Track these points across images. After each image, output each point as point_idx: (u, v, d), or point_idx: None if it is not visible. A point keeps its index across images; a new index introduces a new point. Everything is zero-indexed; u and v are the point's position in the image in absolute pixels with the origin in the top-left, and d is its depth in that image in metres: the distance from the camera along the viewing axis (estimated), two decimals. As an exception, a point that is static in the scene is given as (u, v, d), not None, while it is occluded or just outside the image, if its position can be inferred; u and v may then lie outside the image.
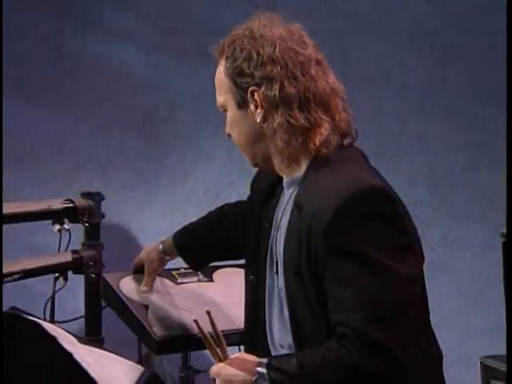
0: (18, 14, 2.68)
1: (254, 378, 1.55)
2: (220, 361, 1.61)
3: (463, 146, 2.76)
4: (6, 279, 1.98)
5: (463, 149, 2.76)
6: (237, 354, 1.63)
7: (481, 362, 2.14)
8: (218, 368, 1.60)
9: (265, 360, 1.57)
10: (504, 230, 2.14)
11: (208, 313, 1.62)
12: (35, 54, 2.71)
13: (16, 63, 2.69)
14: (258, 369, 1.55)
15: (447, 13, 2.75)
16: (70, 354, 1.36)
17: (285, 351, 1.65)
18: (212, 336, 1.62)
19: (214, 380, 1.61)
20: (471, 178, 2.73)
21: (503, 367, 2.07)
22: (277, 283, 1.67)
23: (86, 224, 2.19)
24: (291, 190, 1.66)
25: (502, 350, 2.11)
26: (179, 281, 2.17)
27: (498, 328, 2.18)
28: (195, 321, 1.62)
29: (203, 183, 2.71)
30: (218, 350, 1.62)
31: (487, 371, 2.11)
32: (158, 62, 2.74)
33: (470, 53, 2.75)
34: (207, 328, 1.63)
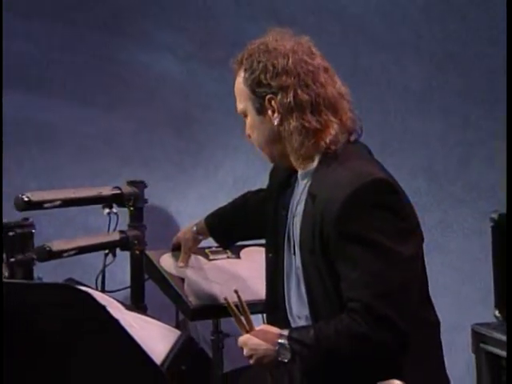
0: (73, 29, 2.70)
1: (276, 348, 1.56)
2: (246, 332, 1.62)
3: (458, 143, 2.73)
4: (64, 254, 2.01)
5: (458, 145, 2.73)
6: (261, 326, 1.64)
7: (472, 329, 2.13)
8: (244, 338, 1.61)
9: (285, 332, 1.57)
10: (493, 216, 2.13)
11: (236, 292, 1.64)
12: (88, 63, 2.72)
13: (71, 71, 2.71)
14: (280, 340, 1.56)
15: (445, 26, 2.72)
16: (116, 321, 1.37)
17: (302, 321, 1.66)
18: (239, 309, 1.63)
19: (242, 348, 1.62)
20: (465, 170, 2.71)
21: (490, 333, 2.07)
22: (294, 262, 1.67)
23: (132, 208, 2.22)
24: (305, 181, 1.67)
25: (489, 319, 2.11)
26: (211, 258, 2.17)
27: (486, 300, 2.17)
28: (225, 299, 1.63)
29: (232, 174, 2.71)
30: (245, 322, 1.63)
31: (477, 336, 2.11)
32: (193, 69, 2.74)
33: (465, 61, 2.72)
34: (234, 300, 1.64)
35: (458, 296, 2.62)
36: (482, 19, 2.69)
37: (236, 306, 1.64)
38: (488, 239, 2.13)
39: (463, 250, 2.65)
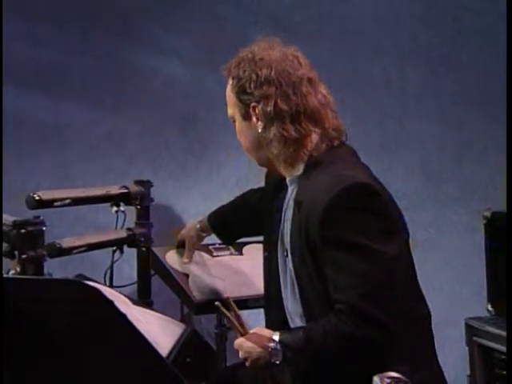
0: (84, 34, 2.70)
1: (268, 351, 1.56)
2: (241, 335, 1.63)
3: (453, 143, 2.73)
4: (73, 251, 2.01)
5: (453, 146, 2.73)
6: (254, 330, 1.63)
7: (465, 323, 2.12)
8: (239, 342, 1.62)
9: (276, 336, 1.57)
10: (485, 213, 2.13)
11: (227, 298, 1.65)
12: (97, 66, 2.72)
13: (83, 74, 2.71)
14: (271, 344, 1.56)
15: (440, 31, 2.72)
16: (124, 315, 1.36)
17: (297, 319, 1.66)
18: (226, 307, 1.65)
19: (238, 351, 1.63)
20: (459, 169, 2.70)
21: (483, 326, 2.06)
22: (288, 265, 1.67)
23: (138, 206, 2.21)
24: (292, 188, 1.67)
25: (482, 313, 2.11)
26: (214, 254, 2.18)
27: (479, 295, 2.17)
28: (217, 306, 1.64)
29: (234, 174, 2.71)
30: (239, 326, 1.63)
31: (470, 330, 2.10)
32: (198, 73, 2.74)
33: (460, 65, 2.72)
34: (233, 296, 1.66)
35: (452, 291, 2.61)
36: (476, 25, 2.68)
37: (227, 309, 1.65)
38: (481, 236, 2.13)
39: (457, 246, 2.64)
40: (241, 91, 1.63)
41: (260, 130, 1.63)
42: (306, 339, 1.54)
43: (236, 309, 1.65)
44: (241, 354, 1.61)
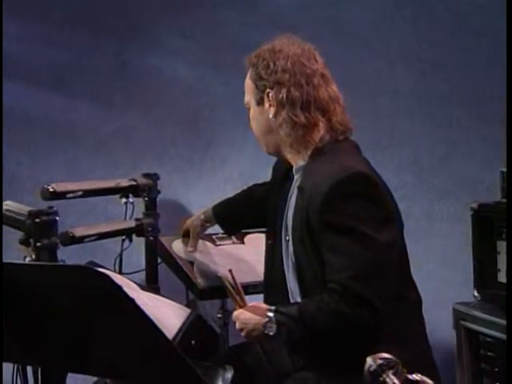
0: (95, 37, 2.70)
1: (263, 322, 1.57)
2: (240, 307, 1.64)
3: (442, 140, 2.73)
4: (85, 240, 2.01)
5: (442, 143, 2.73)
6: (252, 303, 1.65)
7: (452, 307, 2.13)
8: (237, 313, 1.64)
9: (273, 307, 1.59)
10: (472, 205, 2.13)
11: (230, 271, 1.65)
12: (107, 67, 2.72)
13: (93, 74, 2.71)
14: (268, 313, 1.57)
15: (429, 34, 2.72)
16: (132, 299, 1.36)
17: (299, 300, 1.67)
18: (234, 288, 1.65)
19: (235, 322, 1.64)
20: (448, 165, 2.71)
21: (469, 311, 2.07)
22: (289, 248, 1.68)
23: (146, 198, 2.20)
24: (297, 176, 1.68)
25: (469, 298, 2.12)
26: (218, 243, 2.18)
27: (466, 282, 2.18)
28: (221, 277, 1.64)
29: (237, 168, 2.71)
30: (238, 299, 1.64)
31: (457, 314, 2.11)
32: (201, 73, 2.73)
33: (449, 66, 2.72)
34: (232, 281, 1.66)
35: (441, 278, 2.62)
36: (464, 30, 2.69)
37: (232, 286, 1.66)
38: (468, 226, 2.13)
39: (446, 236, 2.65)
40: (258, 77, 1.66)
41: (271, 116, 1.65)
42: (299, 314, 1.55)
43: (237, 282, 1.65)
44: (237, 325, 1.62)
